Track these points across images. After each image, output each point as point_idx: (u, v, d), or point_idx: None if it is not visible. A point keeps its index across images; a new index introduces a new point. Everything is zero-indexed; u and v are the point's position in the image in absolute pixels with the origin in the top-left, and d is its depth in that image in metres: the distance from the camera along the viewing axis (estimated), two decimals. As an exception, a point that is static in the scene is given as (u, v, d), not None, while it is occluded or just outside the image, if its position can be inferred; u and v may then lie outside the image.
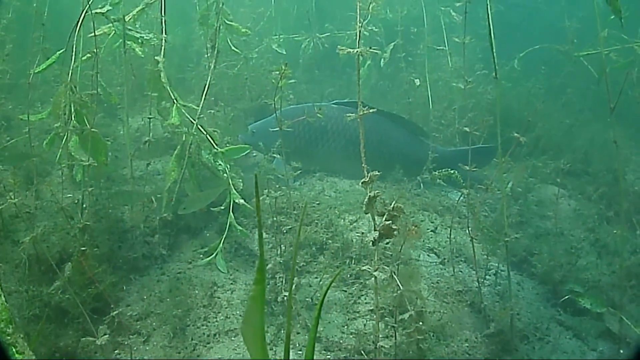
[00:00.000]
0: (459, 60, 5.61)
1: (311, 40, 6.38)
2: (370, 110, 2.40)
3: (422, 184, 4.62)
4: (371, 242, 2.19)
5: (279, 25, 6.61)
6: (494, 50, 2.95)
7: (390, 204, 2.22)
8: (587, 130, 5.77)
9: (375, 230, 2.21)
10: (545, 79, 6.26)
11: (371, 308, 2.56)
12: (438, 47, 5.64)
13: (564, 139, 5.56)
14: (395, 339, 2.67)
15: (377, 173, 2.26)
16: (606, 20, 3.35)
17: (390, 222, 2.19)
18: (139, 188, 3.65)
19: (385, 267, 2.29)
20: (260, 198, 3.43)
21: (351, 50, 2.34)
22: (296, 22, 7.04)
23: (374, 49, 2.42)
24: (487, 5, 3.01)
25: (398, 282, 2.33)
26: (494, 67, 2.99)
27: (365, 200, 2.20)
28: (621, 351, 3.21)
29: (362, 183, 2.24)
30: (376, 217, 2.29)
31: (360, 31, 2.35)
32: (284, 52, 6.12)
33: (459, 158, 4.43)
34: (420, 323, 2.31)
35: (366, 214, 2.23)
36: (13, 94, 4.90)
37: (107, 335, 2.62)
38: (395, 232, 2.21)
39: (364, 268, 2.23)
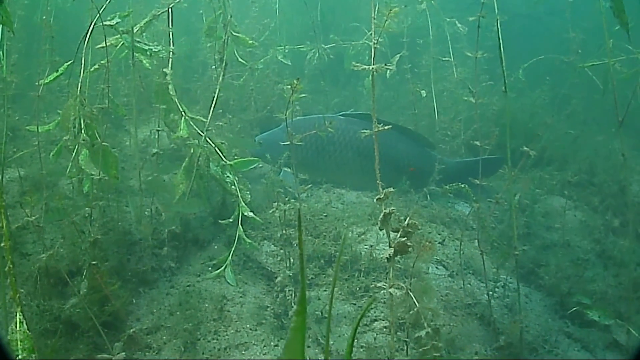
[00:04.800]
0: (463, 71, 5.64)
1: (316, 51, 6.38)
2: (386, 127, 2.40)
3: (429, 196, 4.62)
4: (386, 259, 2.19)
5: (284, 36, 6.62)
6: (504, 64, 2.96)
7: (405, 220, 2.22)
8: (592, 141, 5.78)
9: (390, 246, 2.21)
10: (549, 90, 6.28)
11: (384, 323, 2.55)
12: (443, 58, 5.65)
13: (569, 150, 5.57)
14: (407, 353, 2.67)
15: (392, 189, 2.27)
16: (611, 31, 3.36)
17: (405, 238, 2.19)
18: (147, 200, 3.65)
19: (401, 283, 2.29)
20: (270, 211, 3.44)
21: (366, 66, 2.35)
22: (301, 33, 7.05)
23: (387, 66, 2.43)
24: (497, 19, 3.03)
25: (414, 298, 2.32)
26: (503, 80, 3.01)
27: (381, 217, 2.21)
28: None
29: (377, 199, 2.24)
30: (390, 234, 2.29)
31: (374, 47, 2.35)
32: (289, 63, 6.13)
33: (466, 169, 4.45)
34: (437, 340, 2.30)
35: (381, 230, 2.23)
36: (18, 104, 4.89)
37: (123, 353, 2.61)
38: (409, 249, 2.21)
39: (379, 284, 2.23)
